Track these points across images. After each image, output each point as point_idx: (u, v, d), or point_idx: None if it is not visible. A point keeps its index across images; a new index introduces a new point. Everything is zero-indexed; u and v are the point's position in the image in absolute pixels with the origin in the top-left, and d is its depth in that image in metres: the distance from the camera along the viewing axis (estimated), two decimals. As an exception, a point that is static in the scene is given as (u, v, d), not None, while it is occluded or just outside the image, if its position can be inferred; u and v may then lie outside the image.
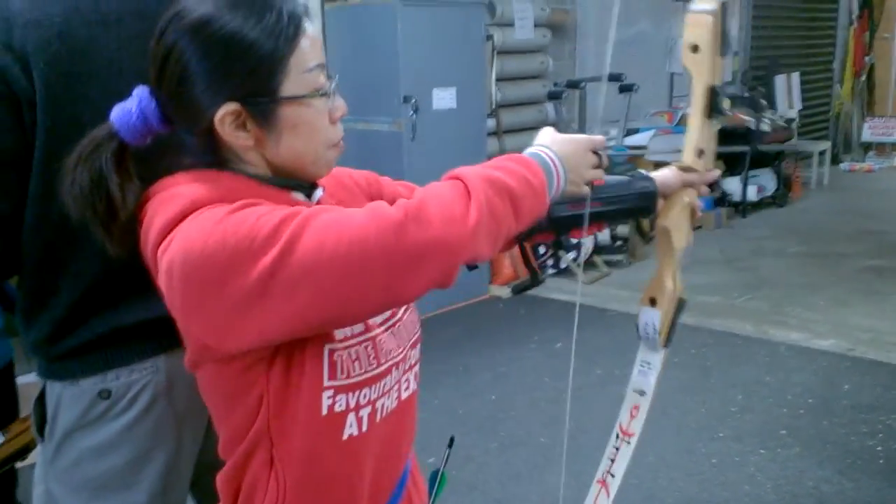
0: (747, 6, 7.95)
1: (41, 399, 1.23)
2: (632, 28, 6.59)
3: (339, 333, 0.91)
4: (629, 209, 1.25)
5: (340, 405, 0.91)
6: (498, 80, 5.20)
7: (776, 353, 3.91)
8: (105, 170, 0.90)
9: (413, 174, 4.17)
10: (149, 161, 0.95)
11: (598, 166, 1.04)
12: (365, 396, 0.93)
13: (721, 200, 6.73)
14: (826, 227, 6.44)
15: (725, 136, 6.57)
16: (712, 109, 1.32)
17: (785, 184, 7.25)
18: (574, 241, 5.11)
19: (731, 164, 6.70)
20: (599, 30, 6.27)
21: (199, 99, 0.88)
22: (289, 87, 0.89)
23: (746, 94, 7.37)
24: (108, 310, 1.16)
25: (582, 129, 5.40)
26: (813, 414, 3.23)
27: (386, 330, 0.97)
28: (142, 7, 1.12)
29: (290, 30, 0.89)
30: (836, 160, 8.96)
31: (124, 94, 1.09)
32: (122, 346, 1.17)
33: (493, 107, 5.20)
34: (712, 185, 1.35)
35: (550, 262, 5.22)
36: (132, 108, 0.91)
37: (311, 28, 0.92)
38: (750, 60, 8.11)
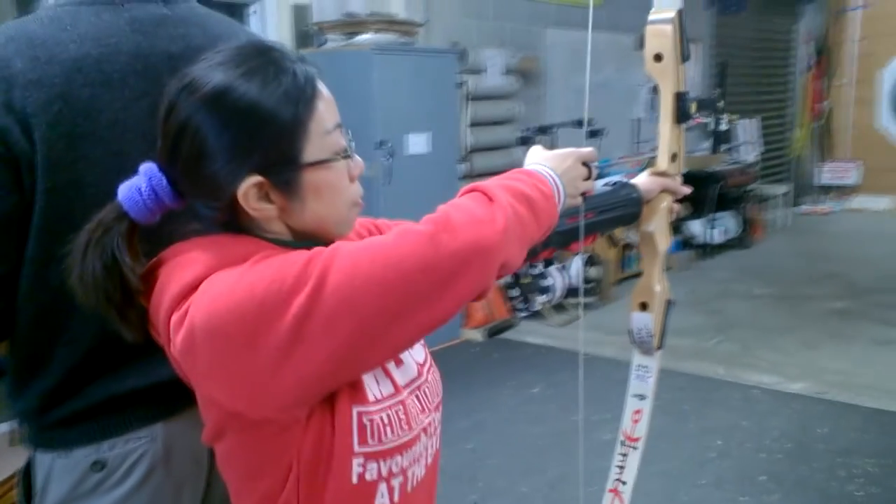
0: (706, 54, 8.16)
1: (28, 470, 1.17)
2: (597, 75, 6.72)
3: (370, 395, 0.87)
4: (619, 217, 1.30)
5: (371, 473, 0.88)
6: (470, 125, 5.24)
7: (749, 397, 3.93)
8: (118, 254, 0.86)
9: (388, 217, 4.15)
10: (156, 236, 0.92)
11: (589, 177, 1.06)
12: (397, 464, 0.90)
13: (687, 242, 6.83)
14: (789, 270, 6.56)
15: (690, 179, 6.69)
16: (680, 114, 1.37)
17: (748, 226, 7.39)
18: (545, 283, 5.14)
19: (696, 207, 6.82)
20: (565, 76, 6.38)
21: (219, 175, 0.84)
22: (311, 152, 0.86)
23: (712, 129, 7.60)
24: (105, 376, 1.11)
25: (552, 174, 5.44)
26: (791, 459, 3.24)
27: (411, 393, 0.95)
28: (146, 67, 1.10)
29: (308, 92, 0.86)
30: (795, 203, 9.17)
31: (128, 155, 1.07)
32: (118, 414, 1.12)
33: (466, 151, 5.23)
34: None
35: (523, 304, 5.22)
36: (141, 186, 0.87)
37: (325, 88, 0.90)
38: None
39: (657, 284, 1.43)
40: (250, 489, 0.90)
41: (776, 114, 9.55)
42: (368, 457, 0.87)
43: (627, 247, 6.27)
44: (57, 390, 1.10)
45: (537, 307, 5.18)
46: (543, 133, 5.32)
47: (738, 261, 6.86)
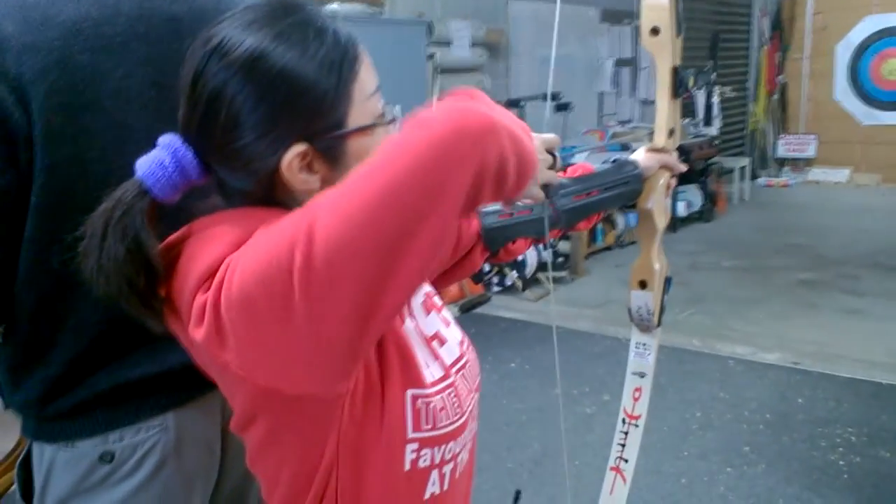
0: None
1: (26, 463, 1.08)
2: (560, 48, 6.68)
3: (425, 377, 0.83)
4: (622, 193, 1.28)
5: (425, 460, 0.83)
6: (439, 98, 5.16)
7: (726, 368, 3.96)
8: (143, 236, 0.77)
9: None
10: (172, 213, 0.82)
11: (553, 166, 0.95)
12: (450, 451, 0.85)
13: (653, 217, 6.85)
14: (754, 242, 6.64)
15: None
16: (677, 88, 1.35)
17: (710, 199, 7.45)
18: (519, 258, 5.10)
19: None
20: (530, 49, 6.33)
21: (259, 146, 0.76)
22: (355, 117, 0.80)
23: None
24: (113, 364, 1.03)
25: (523, 148, 5.40)
26: (772, 430, 3.26)
27: (458, 373, 0.90)
28: (149, 29, 1.00)
29: (351, 55, 0.79)
30: (753, 176, 9.28)
31: (131, 127, 0.98)
32: (128, 404, 1.04)
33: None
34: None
35: (496, 279, 5.19)
36: (164, 160, 0.79)
37: (363, 49, 0.83)
38: (673, 79, 8.32)
39: (656, 262, 1.42)
40: (284, 478, 0.83)
41: (737, 87, 9.64)
42: (424, 443, 0.82)
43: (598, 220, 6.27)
44: (61, 379, 1.01)
45: (510, 282, 5.14)
46: (512, 107, 5.26)
47: (703, 233, 6.92)
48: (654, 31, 1.33)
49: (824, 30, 9.42)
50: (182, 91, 0.80)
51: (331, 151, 0.79)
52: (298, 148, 0.77)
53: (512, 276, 5.10)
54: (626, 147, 6.29)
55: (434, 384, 0.84)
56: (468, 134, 0.66)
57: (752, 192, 8.63)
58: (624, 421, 1.61)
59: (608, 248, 6.27)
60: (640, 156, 1.33)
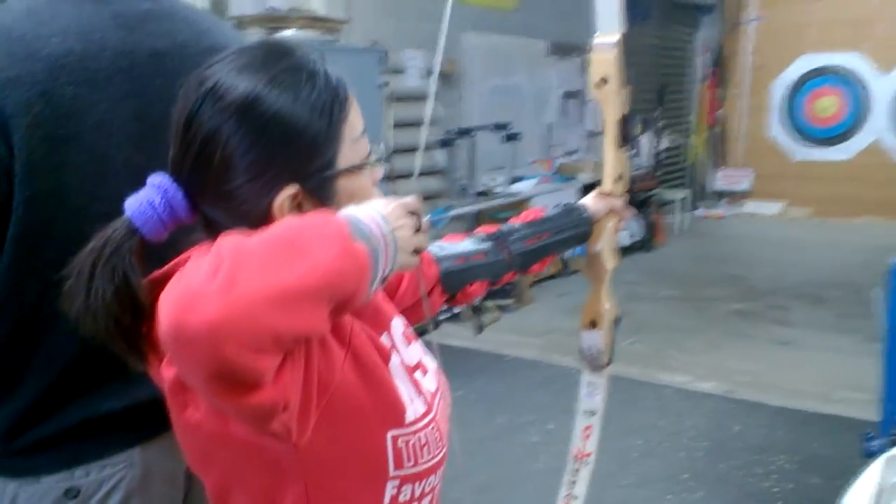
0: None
1: None
2: (509, 79, 6.83)
3: (407, 416, 0.86)
4: (573, 236, 1.34)
5: (405, 495, 0.86)
6: (391, 126, 5.22)
7: (664, 396, 4.08)
8: (132, 277, 0.79)
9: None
10: (160, 250, 0.85)
11: (419, 230, 0.89)
12: (430, 484, 0.88)
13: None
14: (691, 272, 6.84)
15: (599, 183, 6.89)
16: (625, 137, 1.43)
17: (651, 230, 7.66)
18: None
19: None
20: (482, 79, 6.45)
21: (251, 188, 0.80)
22: (344, 158, 0.83)
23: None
24: (81, 398, 1.04)
25: (472, 176, 5.49)
26: (710, 457, 3.38)
27: (438, 403, 0.93)
28: (132, 65, 1.03)
29: (341, 96, 0.84)
30: (692, 207, 9.57)
31: (112, 160, 1.00)
32: (96, 438, 1.05)
33: (388, 153, 5.20)
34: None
35: (442, 307, 5.23)
36: (154, 200, 0.81)
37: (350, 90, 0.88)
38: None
39: (606, 302, 1.48)
40: None
41: (677, 121, 9.94)
42: (405, 479, 0.85)
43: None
44: (28, 413, 1.03)
45: (457, 310, 5.20)
46: (465, 135, 5.35)
47: (643, 263, 7.10)
48: (603, 81, 1.40)
49: (761, 67, 9.81)
50: (174, 132, 0.82)
51: (321, 192, 0.82)
52: (290, 190, 0.80)
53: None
54: (572, 178, 6.44)
55: (417, 421, 0.86)
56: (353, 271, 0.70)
57: (691, 224, 8.90)
58: (574, 459, 1.66)
59: (553, 277, 6.39)
60: (588, 200, 1.39)
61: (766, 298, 5.88)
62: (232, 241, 0.68)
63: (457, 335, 5.01)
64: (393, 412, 0.85)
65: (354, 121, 0.85)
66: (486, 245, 1.24)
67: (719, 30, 10.29)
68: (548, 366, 4.46)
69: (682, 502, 3.01)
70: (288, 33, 4.41)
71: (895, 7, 8.83)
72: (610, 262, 1.46)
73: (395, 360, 0.90)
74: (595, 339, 1.52)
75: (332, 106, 0.82)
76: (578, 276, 6.61)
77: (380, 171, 0.91)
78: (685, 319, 5.40)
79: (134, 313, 0.79)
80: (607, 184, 1.43)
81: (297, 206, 0.81)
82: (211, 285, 0.63)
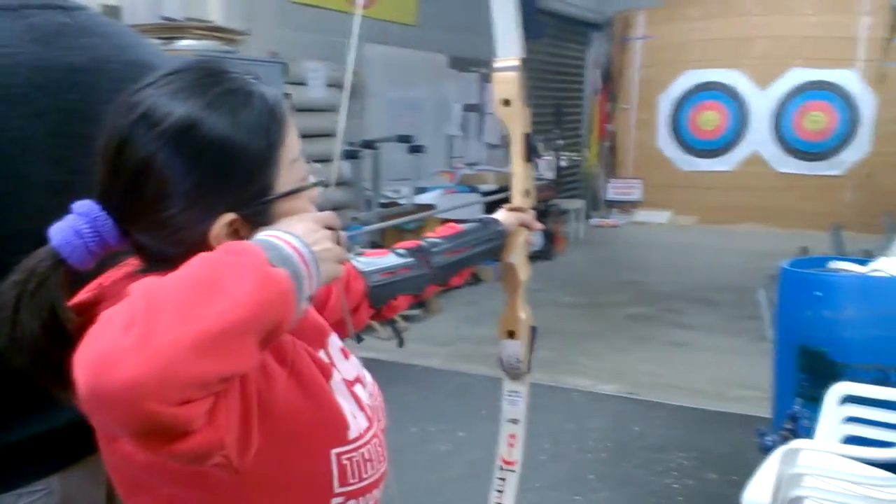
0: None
1: None
2: (411, 92, 6.89)
3: (353, 431, 0.86)
4: (489, 249, 1.39)
5: None
6: (294, 137, 5.18)
7: (570, 400, 4.19)
8: (59, 310, 0.76)
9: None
10: (82, 279, 0.83)
11: (338, 241, 0.85)
12: (373, 497, 0.89)
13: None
14: (590, 279, 7.06)
15: (500, 193, 7.05)
16: (530, 153, 1.51)
17: (550, 239, 7.86)
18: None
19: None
20: (383, 91, 6.48)
21: (187, 216, 0.77)
22: (282, 181, 0.81)
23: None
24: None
25: (377, 187, 5.50)
26: (613, 457, 3.50)
27: (376, 416, 0.94)
28: (48, 81, 1.00)
29: (278, 118, 0.81)
30: (587, 216, 9.88)
31: (28, 179, 0.97)
32: (11, 466, 1.00)
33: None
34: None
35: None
36: (81, 228, 0.77)
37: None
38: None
39: (522, 312, 1.53)
40: None
41: (571, 133, 10.26)
42: (350, 495, 0.86)
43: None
44: None
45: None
46: (369, 147, 5.36)
47: (544, 271, 7.27)
48: (506, 102, 1.46)
49: (649, 83, 10.25)
50: (102, 157, 0.79)
51: (258, 217, 0.80)
52: (227, 217, 0.78)
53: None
54: (474, 189, 6.54)
55: (361, 436, 0.87)
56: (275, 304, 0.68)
57: (587, 233, 9.19)
58: (501, 468, 1.69)
59: (459, 287, 6.47)
60: (500, 215, 1.44)
61: (661, 303, 6.14)
62: (144, 288, 0.65)
63: (365, 346, 4.97)
64: (336, 430, 0.85)
65: (292, 143, 0.83)
66: (409, 259, 1.27)
67: (609, 47, 10.71)
68: (456, 374, 4.51)
69: (589, 503, 3.10)
70: (185, 43, 4.31)
71: (772, 28, 9.44)
72: (524, 273, 1.51)
73: (336, 376, 0.89)
74: (514, 349, 1.56)
75: (270, 129, 0.80)
76: (485, 286, 6.72)
77: (317, 191, 0.89)
78: (587, 324, 5.56)
79: (62, 346, 0.75)
80: (517, 198, 1.48)
81: (235, 233, 0.79)
82: (125, 341, 0.60)
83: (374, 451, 0.88)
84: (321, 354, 0.90)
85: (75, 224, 0.77)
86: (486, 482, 3.19)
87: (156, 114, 0.76)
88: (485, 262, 1.43)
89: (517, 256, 1.48)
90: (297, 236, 0.74)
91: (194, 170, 0.76)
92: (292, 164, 0.83)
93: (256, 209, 0.80)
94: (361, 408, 0.90)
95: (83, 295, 0.82)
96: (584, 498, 3.14)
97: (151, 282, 0.66)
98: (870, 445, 2.17)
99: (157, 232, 0.79)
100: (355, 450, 0.86)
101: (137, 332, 0.60)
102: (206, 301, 0.63)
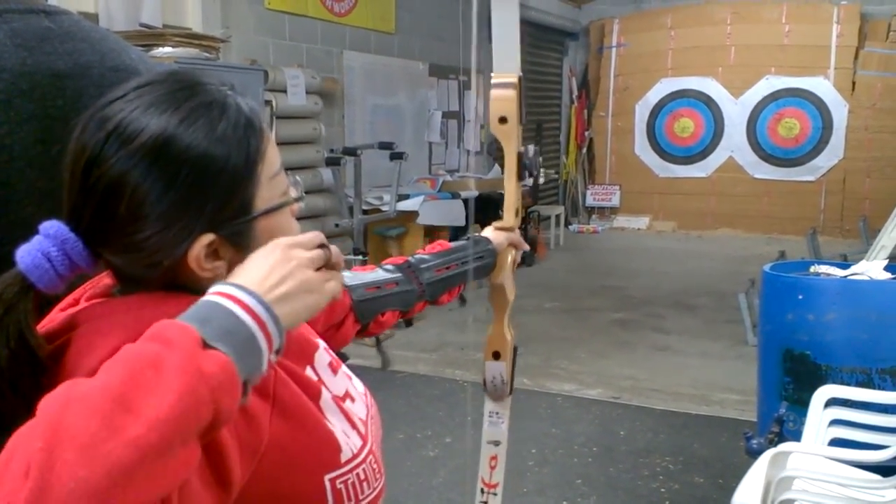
0: (490, 84, 8.64)
1: None
2: (391, 99, 6.90)
3: (346, 453, 0.82)
4: (479, 267, 1.35)
5: None
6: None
7: (555, 405, 4.21)
8: (30, 337, 0.71)
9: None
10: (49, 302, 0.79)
11: (329, 263, 0.77)
12: None
13: (479, 261, 7.18)
14: (571, 284, 7.10)
15: (484, 201, 7.05)
16: (522, 172, 1.49)
17: (531, 245, 7.90)
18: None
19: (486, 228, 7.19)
20: (362, 98, 6.48)
21: (164, 238, 0.73)
22: (262, 199, 0.77)
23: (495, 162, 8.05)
24: None
25: (358, 194, 5.49)
26: (599, 461, 3.52)
27: (370, 428, 0.91)
28: (32, 87, 0.99)
29: (256, 131, 0.77)
30: (566, 223, 9.94)
31: (13, 187, 0.95)
32: None
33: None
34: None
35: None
36: (50, 252, 0.72)
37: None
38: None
39: (507, 333, 1.49)
40: None
41: (550, 141, 10.32)
42: None
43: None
44: None
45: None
46: (351, 154, 5.35)
47: (525, 277, 7.29)
48: (502, 120, 1.45)
49: (625, 90, 10.35)
50: (69, 176, 0.74)
51: (238, 237, 0.76)
52: (206, 239, 0.74)
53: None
54: (456, 195, 6.55)
55: (355, 457, 0.83)
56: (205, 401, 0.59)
57: (566, 239, 9.24)
58: (483, 490, 1.67)
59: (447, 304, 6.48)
60: (490, 233, 1.40)
61: (642, 307, 6.18)
62: (48, 417, 0.55)
63: (350, 353, 4.96)
64: (328, 454, 0.81)
65: (272, 157, 0.79)
66: (397, 275, 1.25)
67: (585, 55, 10.79)
68: (442, 380, 4.51)
69: (579, 507, 3.11)
70: (164, 51, 4.27)
71: (745, 37, 9.57)
72: (511, 293, 1.47)
73: (325, 395, 0.85)
74: (499, 370, 1.52)
75: (249, 143, 0.76)
76: (468, 292, 6.73)
77: (299, 205, 0.85)
78: (569, 330, 5.59)
79: (33, 375, 0.72)
80: (508, 217, 1.46)
81: (214, 253, 0.76)
82: (22, 493, 0.51)
83: (369, 469, 0.85)
84: (308, 372, 0.85)
85: (43, 247, 0.73)
86: (473, 488, 3.20)
87: (128, 129, 0.72)
88: (475, 279, 1.38)
89: (505, 276, 1.44)
90: (248, 288, 0.66)
91: (170, 189, 0.72)
92: (272, 179, 0.79)
93: (236, 228, 0.76)
94: (353, 425, 0.86)
95: (55, 318, 0.78)
96: (572, 502, 3.15)
97: (56, 404, 0.56)
98: (855, 447, 2.20)
99: (131, 255, 0.74)
100: (350, 471, 0.82)
101: (33, 482, 0.51)
102: (115, 428, 0.54)
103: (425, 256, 1.30)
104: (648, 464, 3.47)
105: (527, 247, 1.49)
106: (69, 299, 0.81)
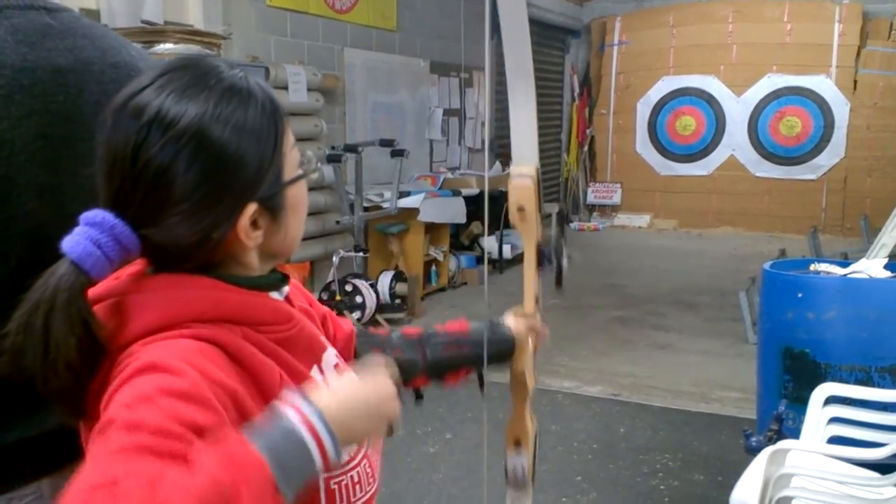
0: (491, 82, 8.64)
1: None
2: (392, 96, 6.89)
3: (342, 457, 0.83)
4: (493, 354, 1.29)
5: None
6: (276, 141, 5.16)
7: (555, 402, 4.21)
8: (93, 324, 0.75)
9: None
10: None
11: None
12: None
13: (480, 259, 7.18)
14: (573, 282, 7.08)
15: (483, 197, 7.07)
16: (541, 261, 1.45)
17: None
18: (358, 300, 5.16)
19: (489, 225, 7.20)
20: (363, 95, 6.48)
21: (211, 213, 0.78)
22: (288, 169, 0.85)
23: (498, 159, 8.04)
24: None
25: (359, 192, 5.49)
26: (599, 458, 3.52)
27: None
28: (33, 82, 0.99)
29: (279, 110, 0.84)
30: (567, 220, 9.94)
31: (15, 181, 0.96)
32: (0, 471, 0.99)
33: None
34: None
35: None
36: (99, 239, 0.75)
37: None
38: (496, 130, 8.80)
39: (528, 421, 1.46)
40: None
41: (551, 138, 10.31)
42: None
43: (432, 263, 6.48)
44: None
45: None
46: (352, 151, 5.36)
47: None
48: (521, 209, 1.42)
49: (627, 88, 10.34)
50: (111, 165, 0.78)
51: (274, 205, 0.83)
52: (251, 208, 0.80)
53: (352, 318, 5.14)
54: (457, 193, 6.56)
55: (350, 460, 0.86)
56: None
57: (567, 236, 9.23)
58: None
59: (442, 290, 6.49)
60: (510, 321, 1.36)
61: (643, 305, 6.19)
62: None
63: (348, 352, 4.99)
64: None
65: (289, 130, 0.86)
66: (403, 343, 1.23)
67: (587, 53, 10.78)
68: (442, 378, 4.50)
69: (578, 504, 3.12)
70: (166, 47, 4.27)
71: (746, 36, 9.56)
72: (531, 381, 1.43)
73: None
74: (521, 461, 1.47)
75: (276, 119, 0.83)
76: (468, 288, 6.73)
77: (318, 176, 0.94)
78: (570, 327, 5.59)
79: (93, 362, 0.75)
80: (528, 305, 1.42)
81: (254, 224, 0.81)
82: None
83: (363, 472, 0.88)
84: (314, 372, 0.89)
85: (91, 235, 0.76)
86: (473, 483, 3.20)
87: (169, 115, 0.76)
88: (488, 365, 1.31)
89: (526, 365, 1.39)
90: (332, 429, 0.72)
91: (218, 165, 0.77)
92: (292, 151, 0.86)
93: (273, 197, 0.83)
94: None
95: (102, 289, 0.81)
96: (572, 499, 3.15)
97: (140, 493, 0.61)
98: (854, 445, 2.21)
99: (183, 232, 0.78)
100: (344, 473, 0.85)
101: None
102: None
103: (439, 332, 1.26)
104: (648, 461, 3.47)
105: (546, 331, 1.42)
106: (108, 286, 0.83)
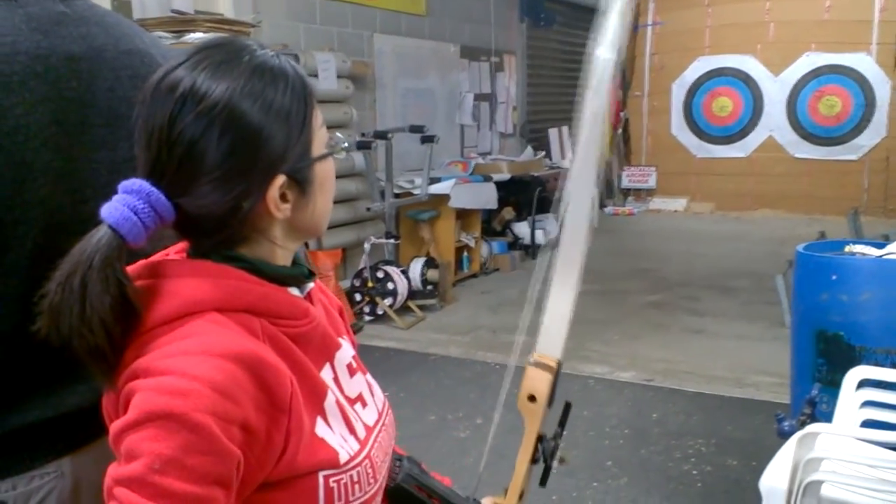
0: (522, 66, 8.58)
1: None
2: (422, 82, 6.88)
3: (342, 456, 0.85)
4: None
5: None
6: (306, 129, 5.18)
7: (587, 387, 4.19)
8: (127, 285, 0.78)
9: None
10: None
11: None
12: None
13: (514, 244, 7.16)
14: (605, 266, 7.04)
15: (515, 183, 7.03)
16: (537, 456, 1.37)
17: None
18: (389, 287, 5.18)
19: (521, 210, 7.16)
20: (393, 81, 6.48)
21: (242, 183, 0.81)
22: (316, 146, 0.87)
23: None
24: (7, 408, 0.99)
25: (389, 178, 5.50)
26: (631, 444, 3.50)
27: (375, 440, 0.93)
28: (47, 69, 1.00)
29: (308, 87, 0.86)
30: (601, 205, 9.85)
31: (30, 166, 0.98)
32: (21, 450, 1.00)
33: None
34: None
35: (367, 308, 5.23)
36: (136, 206, 0.79)
37: None
38: (527, 115, 8.74)
39: None
40: None
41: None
42: None
43: (463, 249, 6.48)
44: None
45: (382, 311, 5.21)
46: (382, 138, 5.36)
47: (558, 260, 7.26)
48: (531, 398, 1.34)
49: (662, 69, 10.19)
50: (148, 137, 0.81)
51: (304, 179, 0.85)
52: (280, 179, 0.82)
53: (384, 304, 5.17)
54: (488, 178, 6.54)
55: (350, 460, 0.86)
56: None
57: (601, 221, 9.16)
58: None
59: (474, 276, 6.49)
60: None
61: (677, 290, 6.12)
62: None
63: (383, 335, 5.01)
64: (325, 453, 0.85)
65: (317, 110, 0.88)
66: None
67: (621, 33, 10.62)
68: (473, 362, 4.51)
69: (608, 489, 3.10)
70: (196, 36, 4.31)
71: (784, 13, 9.34)
72: None
73: (329, 398, 0.89)
74: None
75: (305, 95, 0.85)
76: (499, 274, 6.71)
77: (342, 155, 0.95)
78: (603, 312, 5.54)
79: (126, 324, 0.78)
80: (511, 498, 1.32)
81: (282, 196, 0.84)
82: None
83: (363, 472, 0.88)
84: (324, 371, 0.90)
85: (128, 202, 0.79)
86: (505, 468, 3.20)
87: (201, 90, 0.79)
88: None
89: None
90: None
91: (249, 140, 0.80)
92: (320, 129, 0.88)
93: (301, 172, 0.85)
94: (352, 430, 0.90)
95: (142, 265, 0.85)
96: (603, 484, 3.14)
97: None
98: (888, 429, 2.16)
99: (215, 200, 0.81)
100: (344, 472, 0.85)
101: None
102: None
103: (422, 472, 1.22)
104: (681, 446, 3.44)
105: None
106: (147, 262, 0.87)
